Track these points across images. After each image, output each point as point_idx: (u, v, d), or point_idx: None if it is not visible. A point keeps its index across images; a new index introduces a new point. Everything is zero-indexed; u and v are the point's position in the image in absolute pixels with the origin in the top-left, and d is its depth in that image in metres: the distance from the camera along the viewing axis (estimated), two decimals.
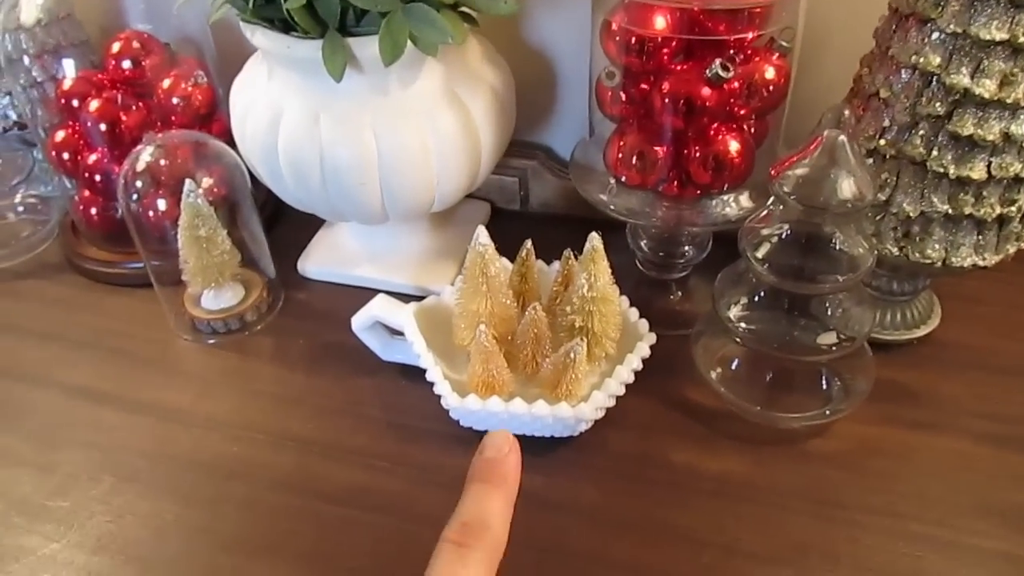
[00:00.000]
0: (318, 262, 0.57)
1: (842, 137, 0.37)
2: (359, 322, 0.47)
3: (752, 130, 0.45)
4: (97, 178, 0.55)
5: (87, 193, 0.57)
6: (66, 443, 0.46)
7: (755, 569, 0.38)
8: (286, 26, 0.44)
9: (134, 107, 0.53)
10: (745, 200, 0.46)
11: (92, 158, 0.55)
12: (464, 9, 0.44)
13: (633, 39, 0.43)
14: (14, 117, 0.60)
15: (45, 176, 0.64)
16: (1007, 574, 0.37)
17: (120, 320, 0.55)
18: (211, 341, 0.53)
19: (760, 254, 0.41)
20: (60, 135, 0.56)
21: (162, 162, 0.49)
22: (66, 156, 0.56)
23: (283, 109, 0.45)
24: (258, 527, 0.41)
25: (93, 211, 0.57)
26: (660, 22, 0.42)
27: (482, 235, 0.44)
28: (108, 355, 0.52)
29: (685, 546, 0.39)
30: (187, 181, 0.48)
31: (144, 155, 0.48)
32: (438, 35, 0.40)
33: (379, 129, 0.44)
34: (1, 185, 0.59)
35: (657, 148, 0.45)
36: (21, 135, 0.62)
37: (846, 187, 0.38)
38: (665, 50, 0.43)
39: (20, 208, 0.63)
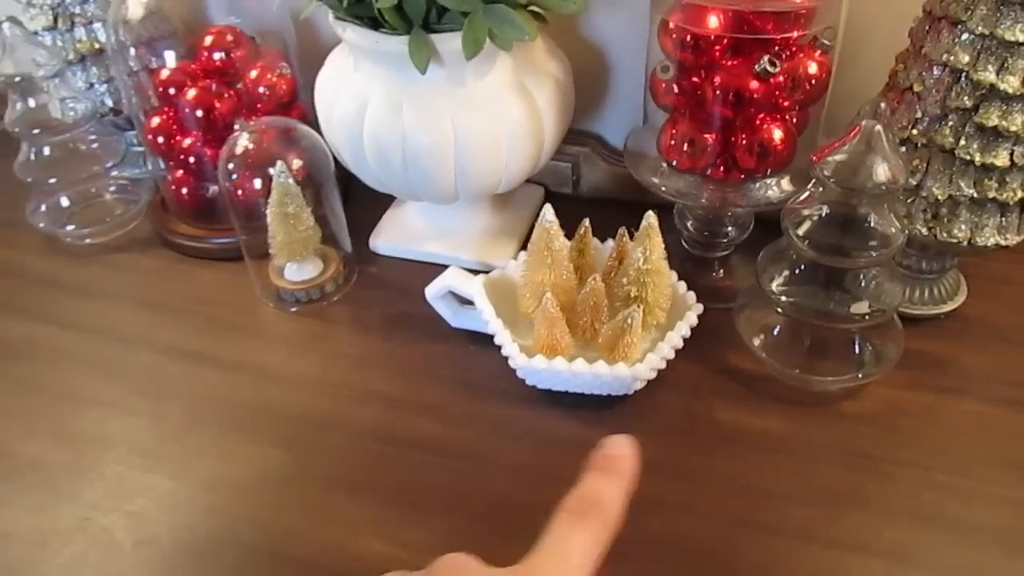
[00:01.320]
0: (388, 239, 0.62)
1: (878, 126, 0.42)
2: (433, 291, 0.52)
3: (794, 120, 0.49)
4: (191, 160, 0.61)
5: (180, 174, 0.63)
6: (172, 396, 0.52)
7: (792, 510, 0.43)
8: (374, 23, 0.49)
9: (226, 95, 0.59)
10: (786, 184, 0.51)
11: (187, 142, 0.60)
12: (534, 8, 0.48)
13: (688, 36, 0.47)
14: (110, 104, 0.66)
15: (135, 159, 0.69)
16: (1018, 517, 0.41)
17: (210, 290, 0.61)
18: (293, 309, 0.58)
19: (801, 232, 0.45)
20: (156, 120, 0.61)
21: (252, 146, 0.55)
22: (161, 140, 0.61)
23: (369, 98, 0.51)
24: (349, 469, 0.47)
25: (184, 190, 0.63)
26: (713, 21, 0.46)
27: (548, 213, 0.48)
28: (203, 320, 0.58)
29: (730, 490, 0.44)
30: (278, 163, 0.53)
31: (242, 140, 0.54)
32: (516, 32, 0.44)
33: (456, 116, 0.49)
34: (97, 166, 0.64)
35: (707, 135, 0.50)
36: (115, 120, 0.68)
37: (881, 171, 0.42)
38: (717, 47, 0.47)
39: (112, 188, 0.68)
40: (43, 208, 0.65)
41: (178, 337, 0.56)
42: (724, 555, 0.41)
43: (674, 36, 0.48)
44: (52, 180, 0.64)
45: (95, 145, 0.64)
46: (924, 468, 0.44)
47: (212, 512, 0.44)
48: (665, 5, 0.48)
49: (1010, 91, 0.42)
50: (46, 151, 0.63)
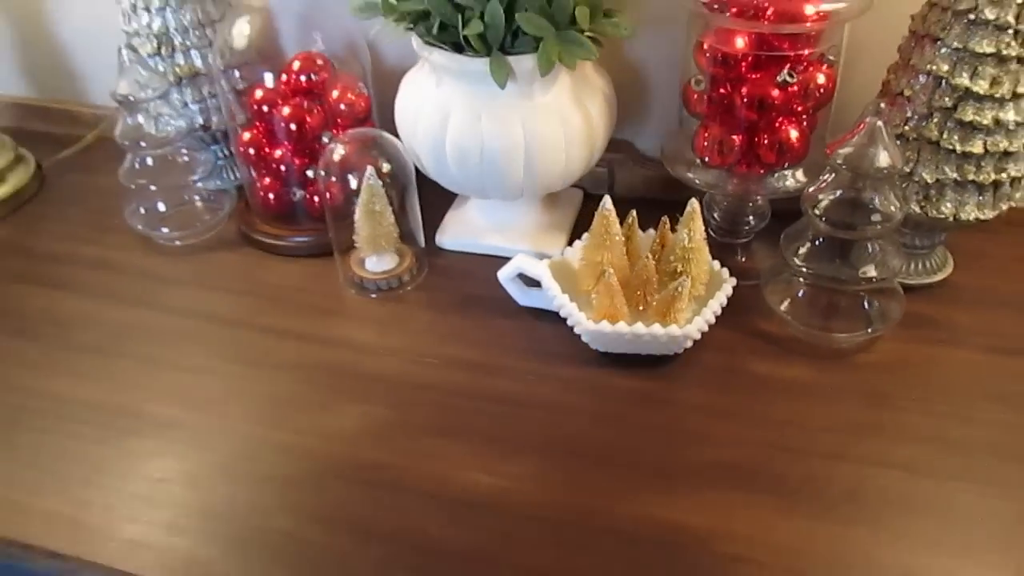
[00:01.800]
0: (453, 235, 0.71)
1: (880, 122, 0.52)
2: (505, 273, 0.61)
3: (807, 122, 0.59)
4: (282, 168, 0.69)
5: (267, 181, 0.71)
6: (280, 367, 0.60)
7: (821, 436, 0.52)
8: (455, 47, 0.58)
9: (314, 111, 0.68)
10: (800, 175, 0.61)
11: (278, 152, 0.69)
12: (591, 34, 0.58)
13: (720, 54, 0.57)
14: (200, 121, 0.75)
15: (220, 171, 0.78)
16: (1007, 434, 0.51)
17: (296, 280, 0.69)
18: (374, 295, 0.67)
19: (818, 211, 0.55)
20: (247, 135, 0.70)
21: (345, 153, 0.64)
22: (252, 151, 0.70)
23: (451, 110, 0.60)
24: (445, 420, 0.55)
25: (271, 196, 0.72)
26: (740, 42, 0.56)
27: (607, 203, 0.58)
28: (294, 305, 0.66)
29: (768, 424, 0.53)
30: (368, 167, 0.62)
31: (338, 149, 0.63)
32: (584, 53, 0.54)
33: (526, 124, 0.59)
34: (188, 176, 0.73)
35: (734, 136, 0.60)
36: (203, 136, 0.76)
37: (882, 159, 0.52)
38: (743, 63, 0.57)
39: (200, 196, 0.77)
40: (141, 211, 0.74)
41: (276, 319, 0.65)
42: (767, 473, 0.50)
43: (707, 54, 0.58)
44: (152, 187, 0.72)
45: (187, 158, 0.73)
46: (927, 402, 0.54)
47: (332, 457, 0.53)
48: (699, 28, 0.58)
49: (981, 92, 0.52)
50: (148, 161, 0.71)
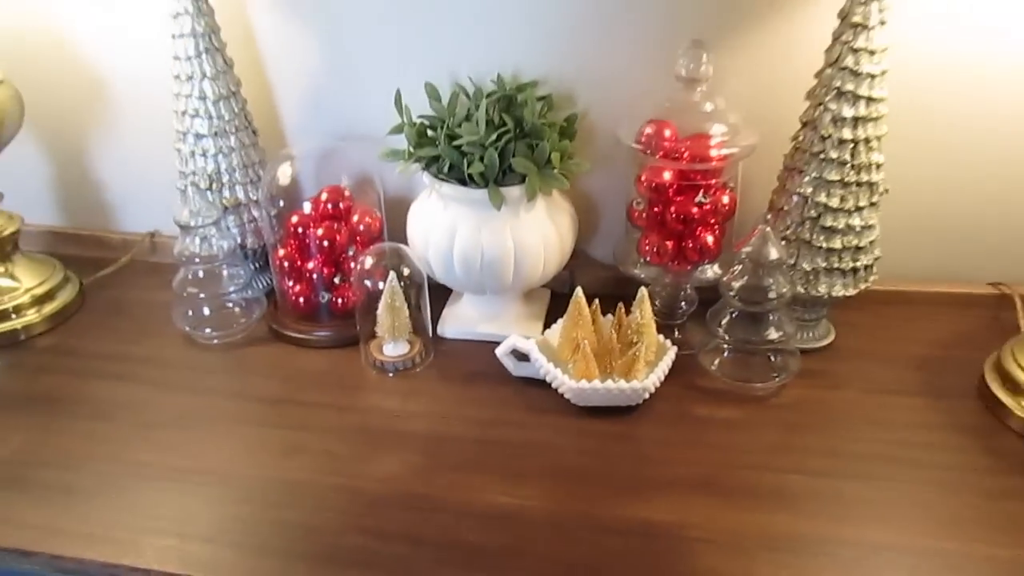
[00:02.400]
0: (452, 325, 0.88)
1: (768, 228, 0.74)
2: (501, 349, 0.79)
3: (719, 230, 0.81)
4: (313, 276, 0.86)
5: (298, 287, 0.88)
6: (326, 431, 0.74)
7: (750, 455, 0.70)
8: (459, 180, 0.78)
9: (341, 231, 0.86)
10: (716, 269, 0.82)
11: (310, 264, 0.86)
12: (560, 171, 0.79)
13: (653, 183, 0.79)
14: (239, 241, 0.91)
15: (251, 283, 0.94)
16: (882, 446, 0.70)
17: (324, 366, 0.85)
18: (391, 375, 0.83)
19: (732, 293, 0.76)
20: (282, 251, 0.87)
21: (373, 263, 0.81)
22: (286, 264, 0.87)
23: (457, 228, 0.79)
24: (466, 460, 0.70)
25: (301, 299, 0.88)
26: (667, 175, 0.79)
27: (579, 292, 0.77)
28: (327, 385, 0.81)
29: (710, 450, 0.71)
30: (391, 272, 0.80)
31: (368, 260, 0.81)
32: (558, 184, 0.75)
33: (515, 237, 0.78)
34: (228, 287, 0.89)
35: (667, 242, 0.81)
36: (242, 253, 0.92)
37: (773, 253, 0.73)
38: (670, 189, 0.79)
39: (231, 304, 0.92)
40: (189, 313, 0.88)
41: (313, 395, 0.80)
42: (712, 482, 0.67)
43: (644, 183, 0.80)
44: (201, 295, 0.87)
45: (227, 271, 0.89)
46: (823, 428, 0.73)
47: (384, 492, 0.67)
48: (637, 165, 0.80)
49: (834, 207, 0.75)
50: (199, 274, 0.87)
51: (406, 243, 0.85)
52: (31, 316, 0.91)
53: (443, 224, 0.80)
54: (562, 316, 0.80)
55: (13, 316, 0.91)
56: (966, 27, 0.79)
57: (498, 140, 0.75)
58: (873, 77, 0.72)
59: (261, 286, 0.96)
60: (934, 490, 0.66)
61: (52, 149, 1.06)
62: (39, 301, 0.93)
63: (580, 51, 0.85)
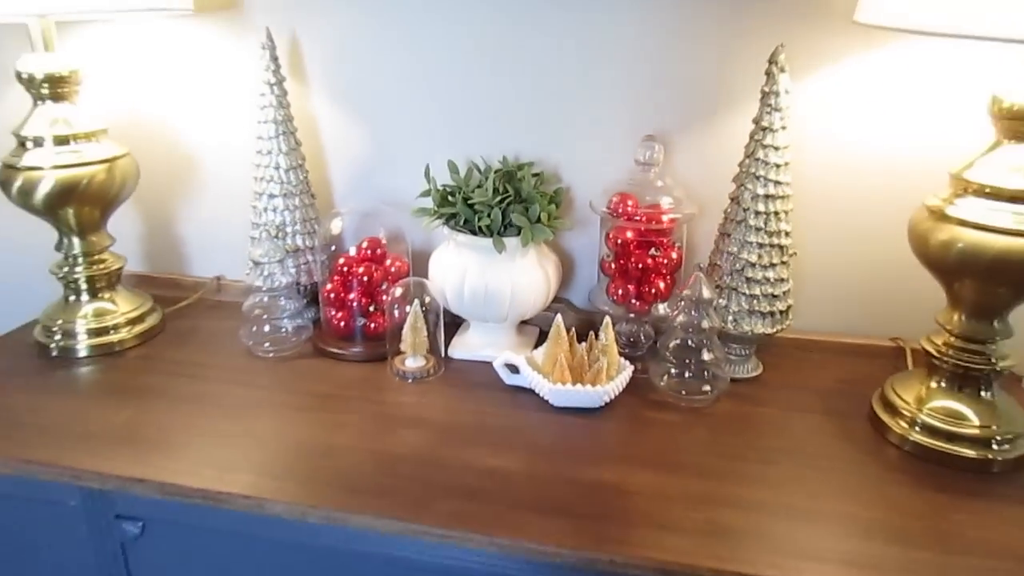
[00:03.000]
0: (460, 349, 1.11)
1: (702, 275, 0.98)
2: (498, 361, 1.02)
3: (669, 278, 1.05)
4: (354, 305, 1.10)
5: (340, 314, 1.12)
6: (365, 415, 0.96)
7: (687, 446, 0.91)
8: (471, 231, 1.03)
9: (377, 271, 1.10)
10: (666, 307, 1.06)
11: (351, 296, 1.10)
12: (549, 227, 1.04)
13: (619, 240, 1.04)
14: (295, 277, 1.16)
15: (301, 312, 1.18)
16: (789, 446, 0.91)
17: (358, 375, 1.07)
18: (411, 382, 1.05)
19: (676, 324, 0.99)
20: (329, 285, 1.12)
21: (400, 294, 1.05)
22: (332, 295, 1.11)
23: (467, 268, 1.03)
24: (468, 437, 0.91)
25: (342, 323, 1.11)
26: (629, 234, 1.04)
27: (559, 318, 1.00)
28: (362, 388, 1.03)
29: (653, 441, 0.92)
30: (416, 300, 1.04)
31: (398, 290, 1.05)
32: (547, 235, 1.00)
33: (512, 277, 1.03)
34: (284, 312, 1.12)
35: (630, 287, 1.05)
36: (297, 288, 1.17)
37: (706, 292, 0.97)
38: (632, 244, 1.04)
39: (284, 326, 1.15)
40: (253, 330, 1.12)
41: (351, 392, 1.02)
42: (654, 460, 0.88)
43: (612, 240, 1.05)
44: (264, 317, 1.11)
45: (283, 301, 1.13)
46: (745, 432, 0.94)
47: (412, 451, 0.88)
48: (607, 226, 1.05)
49: (753, 262, 0.99)
50: (265, 300, 1.11)
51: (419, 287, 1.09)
52: (124, 333, 1.15)
53: (457, 265, 1.05)
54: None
55: (111, 332, 1.14)
56: (855, 124, 1.06)
57: (502, 202, 1.01)
58: (779, 166, 0.97)
59: (309, 315, 1.19)
60: (823, 474, 0.87)
61: (147, 208, 1.33)
62: (132, 322, 1.16)
63: (565, 141, 1.13)
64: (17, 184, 1.05)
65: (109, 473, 0.84)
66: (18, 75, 1.05)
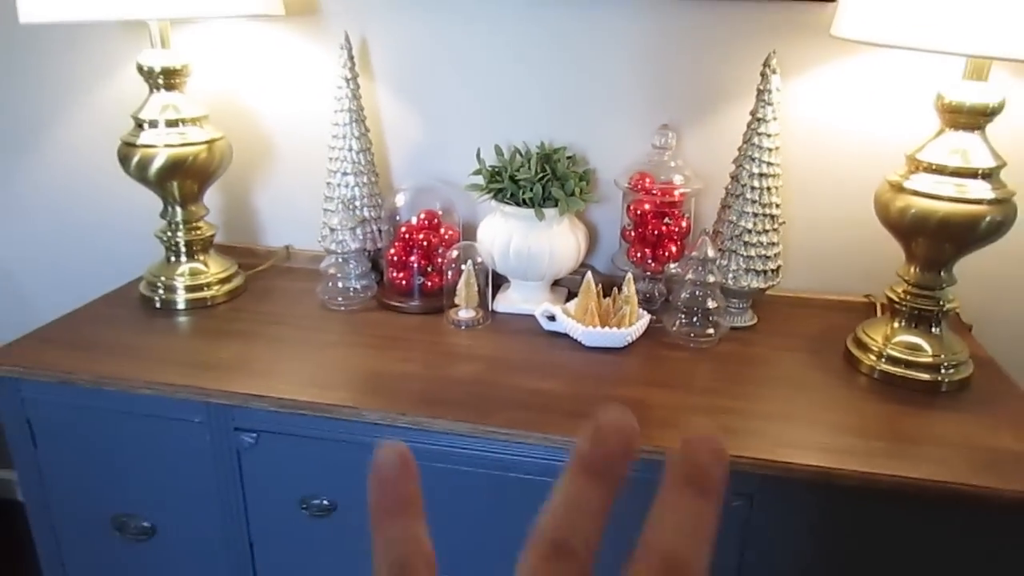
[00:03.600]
0: (502, 305, 1.32)
1: (707, 239, 1.19)
2: (538, 311, 1.23)
3: (679, 243, 1.27)
4: (414, 266, 1.31)
5: (401, 274, 1.32)
6: (431, 351, 1.17)
7: (695, 377, 1.12)
8: (516, 203, 1.24)
9: (433, 237, 1.31)
10: (676, 267, 1.27)
11: (412, 258, 1.31)
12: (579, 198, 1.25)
13: (638, 212, 1.25)
14: (362, 243, 1.36)
15: (367, 273, 1.38)
16: (776, 374, 1.13)
17: (417, 324, 1.28)
18: (463, 330, 1.26)
19: (688, 279, 1.20)
20: (393, 249, 1.32)
21: (456, 256, 1.26)
22: (395, 257, 1.32)
23: (512, 234, 1.24)
24: (513, 369, 1.13)
25: (403, 281, 1.32)
26: (647, 206, 1.25)
27: (589, 275, 1.22)
28: (423, 333, 1.24)
29: (669, 373, 1.13)
30: (469, 261, 1.25)
31: (453, 253, 1.26)
32: (580, 205, 1.21)
33: (550, 241, 1.24)
34: (354, 271, 1.33)
35: (647, 250, 1.26)
36: (365, 252, 1.37)
37: (711, 252, 1.18)
38: (649, 215, 1.25)
39: (354, 283, 1.36)
40: (328, 285, 1.33)
41: (414, 336, 1.23)
42: (670, 383, 1.09)
43: (632, 212, 1.26)
44: (338, 276, 1.32)
45: (353, 263, 1.34)
46: (741, 366, 1.16)
47: (469, 379, 1.09)
48: (628, 199, 1.27)
49: (749, 228, 1.21)
50: (340, 260, 1.32)
51: (469, 250, 1.30)
52: (215, 291, 1.35)
53: (503, 232, 1.26)
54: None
55: (204, 290, 1.35)
56: (833, 116, 1.27)
57: (542, 179, 1.22)
58: (771, 150, 1.19)
59: (373, 275, 1.40)
60: (805, 393, 1.08)
61: (227, 185, 1.53)
62: (221, 282, 1.37)
63: (591, 129, 1.34)
64: (135, 159, 1.26)
65: (233, 391, 1.05)
66: (139, 67, 1.25)
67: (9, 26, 1.47)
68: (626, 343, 1.19)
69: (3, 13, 1.47)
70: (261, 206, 1.54)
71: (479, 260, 1.26)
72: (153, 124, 1.26)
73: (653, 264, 1.27)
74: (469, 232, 1.35)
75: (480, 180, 1.28)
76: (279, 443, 1.08)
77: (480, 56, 1.35)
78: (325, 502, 1.08)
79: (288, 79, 1.44)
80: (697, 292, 1.20)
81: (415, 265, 1.32)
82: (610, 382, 1.10)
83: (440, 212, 1.35)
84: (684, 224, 1.26)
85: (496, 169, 1.28)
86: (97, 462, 1.16)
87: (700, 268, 1.20)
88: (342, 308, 1.33)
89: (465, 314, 1.27)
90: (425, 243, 1.31)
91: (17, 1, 1.13)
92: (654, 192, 1.24)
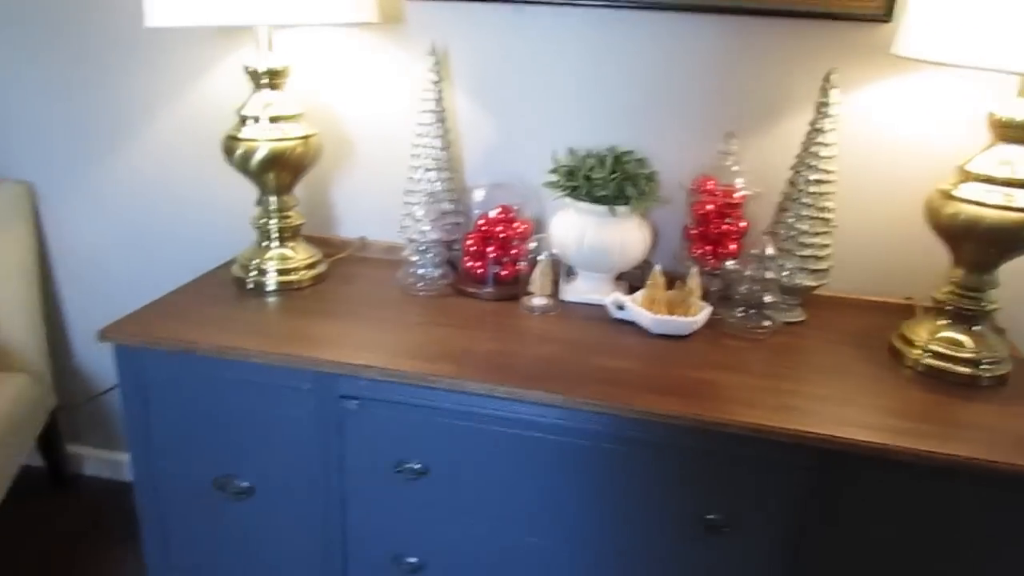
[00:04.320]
0: (571, 294, 1.43)
1: (768, 237, 1.29)
2: (609, 300, 1.33)
3: (739, 241, 1.37)
4: (492, 256, 1.42)
5: (477, 263, 1.43)
6: (507, 330, 1.28)
7: (753, 363, 1.23)
8: (589, 199, 1.35)
9: (509, 230, 1.42)
10: (734, 264, 1.37)
11: (489, 248, 1.42)
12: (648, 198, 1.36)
13: (702, 212, 1.36)
14: (441, 234, 1.47)
15: (443, 261, 1.49)
16: (825, 363, 1.24)
17: (492, 309, 1.38)
18: (536, 315, 1.37)
19: (746, 274, 1.31)
20: (470, 240, 1.43)
21: (533, 247, 1.37)
22: (473, 248, 1.43)
23: (585, 229, 1.35)
24: (588, 352, 1.23)
25: (479, 270, 1.43)
26: (710, 207, 1.36)
27: (657, 267, 1.32)
28: (498, 316, 1.35)
29: (729, 357, 1.24)
30: (545, 252, 1.35)
31: (531, 245, 1.36)
32: (647, 204, 1.32)
33: (621, 236, 1.34)
34: (430, 262, 1.43)
35: (708, 247, 1.37)
36: (439, 242, 1.48)
37: (770, 251, 1.29)
38: (712, 215, 1.36)
39: (431, 272, 1.47)
40: (410, 271, 1.43)
41: (493, 319, 1.33)
42: (733, 367, 1.20)
43: (695, 212, 1.37)
44: (419, 262, 1.43)
45: (431, 251, 1.44)
46: (794, 355, 1.26)
47: (549, 358, 1.20)
48: (691, 200, 1.37)
49: (804, 229, 1.31)
50: (419, 249, 1.42)
51: (541, 243, 1.41)
52: (302, 275, 1.46)
53: (576, 226, 1.36)
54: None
55: (292, 274, 1.45)
56: (887, 128, 1.38)
57: (615, 178, 1.33)
58: (827, 158, 1.29)
59: (449, 264, 1.51)
60: (856, 381, 1.19)
61: (307, 178, 1.64)
62: (307, 267, 1.47)
63: (656, 134, 1.45)
64: (239, 152, 1.37)
65: (342, 361, 1.15)
66: (246, 68, 1.36)
67: (117, 29, 1.59)
68: (690, 331, 1.30)
69: (114, 17, 1.59)
70: (337, 199, 1.65)
71: (554, 252, 1.37)
72: (255, 120, 1.37)
73: (713, 260, 1.38)
74: (537, 226, 1.46)
75: (554, 178, 1.39)
76: (380, 409, 1.18)
77: (552, 66, 1.46)
78: (418, 466, 1.19)
79: (371, 82, 1.55)
80: (755, 287, 1.31)
81: (491, 255, 1.43)
82: (679, 365, 1.20)
83: (513, 207, 1.46)
84: (743, 224, 1.37)
85: (570, 168, 1.39)
86: (204, 426, 1.27)
87: (759, 265, 1.30)
88: (421, 293, 1.43)
89: (539, 301, 1.38)
90: (502, 235, 1.42)
91: (145, 6, 1.24)
92: (717, 193, 1.35)
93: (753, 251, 1.30)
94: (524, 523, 1.19)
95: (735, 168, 1.36)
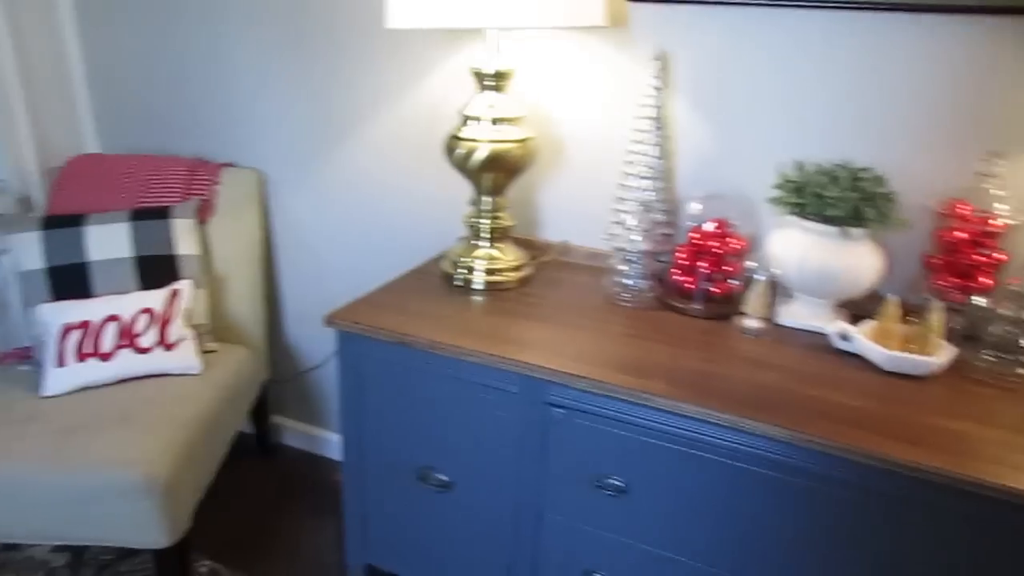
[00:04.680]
0: (786, 317, 1.34)
1: None
2: (833, 328, 1.23)
3: (993, 275, 1.22)
4: (704, 271, 1.36)
5: (687, 278, 1.38)
6: (720, 356, 1.21)
7: (999, 414, 1.08)
8: (819, 219, 1.25)
9: (724, 246, 1.35)
10: (983, 299, 1.23)
11: (702, 264, 1.36)
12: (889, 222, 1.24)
13: (952, 239, 1.22)
14: (650, 244, 1.43)
15: (650, 273, 1.45)
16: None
17: (699, 327, 1.32)
18: (752, 337, 1.29)
19: (1000, 314, 1.16)
20: (682, 253, 1.38)
21: (749, 265, 1.30)
22: (684, 262, 1.38)
23: (810, 249, 1.26)
24: (812, 375, 1.14)
25: (687, 285, 1.38)
26: (962, 234, 1.22)
27: (894, 299, 1.21)
28: (713, 336, 1.29)
29: (984, 412, 1.10)
30: (763, 273, 1.28)
31: (751, 263, 1.29)
32: (891, 226, 1.21)
33: (852, 260, 1.24)
34: (638, 272, 1.40)
35: (954, 279, 1.23)
36: (649, 253, 1.45)
37: None
38: (963, 243, 1.22)
39: (637, 283, 1.43)
40: (613, 280, 1.41)
41: (705, 338, 1.27)
42: (974, 416, 1.07)
43: (943, 239, 1.23)
44: (625, 271, 1.40)
45: (640, 262, 1.41)
46: None
47: (767, 384, 1.13)
48: (936, 227, 1.24)
49: None
50: (627, 258, 1.39)
51: (757, 261, 1.33)
52: (509, 276, 1.47)
53: (799, 246, 1.27)
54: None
55: (499, 274, 1.47)
56: None
57: (852, 198, 1.22)
58: None
59: (656, 276, 1.46)
60: None
61: (519, 181, 1.66)
62: (514, 269, 1.49)
63: (892, 149, 1.32)
64: (460, 151, 1.40)
65: (554, 368, 1.15)
66: (472, 69, 1.39)
67: (351, 32, 1.68)
68: (928, 372, 1.17)
69: (350, 20, 1.68)
70: (543, 202, 1.66)
71: (773, 272, 1.29)
72: (478, 120, 1.39)
73: (958, 294, 1.24)
74: (750, 242, 1.38)
75: (781, 194, 1.30)
76: (585, 420, 1.17)
77: (778, 74, 1.37)
78: (620, 483, 1.16)
79: (589, 86, 1.53)
80: (1010, 328, 1.16)
81: (704, 271, 1.37)
82: (919, 410, 1.08)
83: (728, 222, 1.39)
84: (1001, 256, 1.22)
85: (798, 184, 1.30)
86: (411, 416, 1.31)
87: (1017, 304, 1.15)
88: (627, 303, 1.40)
89: (754, 323, 1.31)
90: (718, 251, 1.35)
91: (387, 8, 1.30)
92: (971, 220, 1.21)
93: (1011, 287, 1.16)
94: (727, 559, 1.13)
95: (996, 193, 1.21)
